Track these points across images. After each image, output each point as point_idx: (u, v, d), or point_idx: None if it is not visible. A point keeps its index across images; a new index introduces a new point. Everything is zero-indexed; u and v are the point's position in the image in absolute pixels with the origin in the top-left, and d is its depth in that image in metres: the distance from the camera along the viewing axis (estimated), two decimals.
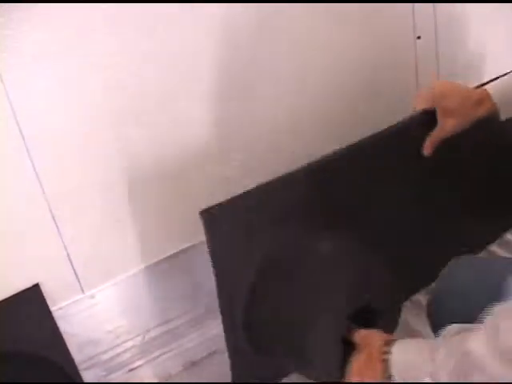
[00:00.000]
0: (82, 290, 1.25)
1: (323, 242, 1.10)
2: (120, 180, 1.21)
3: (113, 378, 1.36)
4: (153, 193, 1.25)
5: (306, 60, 1.32)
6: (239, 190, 1.05)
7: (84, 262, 1.23)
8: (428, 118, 1.19)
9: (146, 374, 1.40)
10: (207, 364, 1.43)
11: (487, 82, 1.06)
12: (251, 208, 1.06)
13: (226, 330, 1.10)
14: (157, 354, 1.40)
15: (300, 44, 1.29)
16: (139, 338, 1.37)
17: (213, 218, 1.02)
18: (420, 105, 1.22)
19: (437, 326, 0.97)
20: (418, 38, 1.39)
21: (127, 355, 1.36)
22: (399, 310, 1.14)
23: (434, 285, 1.08)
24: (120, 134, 1.18)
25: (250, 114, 1.30)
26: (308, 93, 1.35)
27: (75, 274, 1.22)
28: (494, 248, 1.60)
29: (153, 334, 1.38)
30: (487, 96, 1.14)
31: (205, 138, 1.25)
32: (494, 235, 1.50)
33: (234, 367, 1.14)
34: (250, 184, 1.06)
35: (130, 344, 1.36)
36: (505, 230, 1.50)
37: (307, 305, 1.04)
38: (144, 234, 1.27)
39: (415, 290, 1.33)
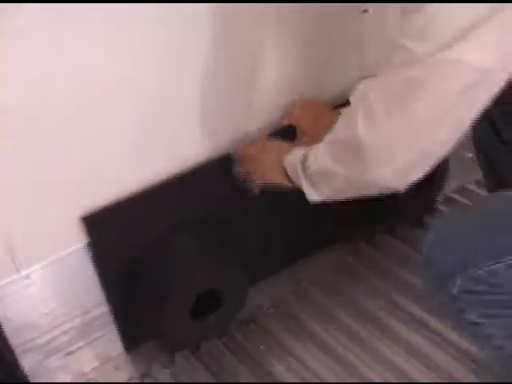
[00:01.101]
0: (17, 270, 1.18)
1: (183, 238, 1.32)
2: None
3: (51, 361, 1.29)
4: None
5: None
6: None
7: (18, 240, 1.16)
8: (290, 132, 1.37)
9: (86, 356, 1.35)
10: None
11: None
12: (128, 213, 1.26)
13: (112, 310, 1.33)
14: (96, 335, 1.35)
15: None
16: (78, 320, 1.30)
17: (94, 222, 1.22)
18: (284, 121, 1.40)
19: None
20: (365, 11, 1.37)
21: (65, 338, 1.31)
22: (245, 294, 1.36)
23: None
24: None
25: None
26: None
27: (9, 252, 1.15)
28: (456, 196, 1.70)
29: (92, 314, 1.32)
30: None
31: None
32: None
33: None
34: None
35: (68, 326, 1.30)
36: None
37: (167, 287, 1.26)
38: None
39: (263, 278, 1.50)
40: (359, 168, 0.96)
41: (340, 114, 1.08)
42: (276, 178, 1.22)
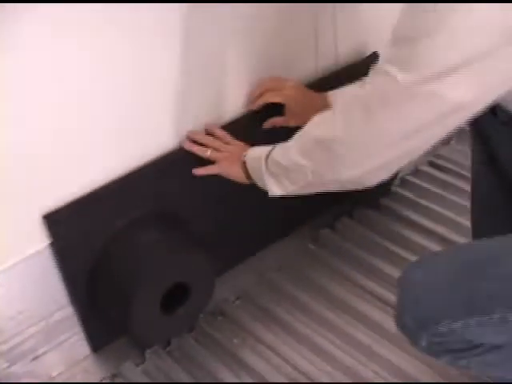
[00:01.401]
0: None
1: (144, 232, 1.29)
2: None
3: (17, 367, 1.24)
4: None
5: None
6: None
7: None
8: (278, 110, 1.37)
9: (52, 360, 1.30)
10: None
11: None
12: (88, 210, 1.22)
13: (77, 310, 1.29)
14: (62, 337, 1.30)
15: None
16: (43, 323, 1.26)
17: (56, 221, 1.18)
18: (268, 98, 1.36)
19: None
20: None
21: (31, 342, 1.25)
22: (211, 286, 1.34)
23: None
24: None
25: None
26: None
27: None
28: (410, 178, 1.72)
29: (57, 316, 1.27)
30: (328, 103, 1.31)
31: None
32: None
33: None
34: None
35: (33, 330, 1.25)
36: None
37: (134, 283, 1.23)
38: None
39: (226, 270, 1.49)
40: (329, 167, 1.03)
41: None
42: (232, 172, 1.24)
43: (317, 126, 1.06)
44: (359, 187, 1.04)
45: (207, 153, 1.28)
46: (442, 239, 1.54)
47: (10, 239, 1.16)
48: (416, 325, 1.04)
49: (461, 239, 1.52)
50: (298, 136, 1.10)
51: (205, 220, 1.40)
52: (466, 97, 0.86)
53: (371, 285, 1.46)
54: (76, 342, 1.33)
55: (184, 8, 1.17)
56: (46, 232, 1.19)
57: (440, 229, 1.57)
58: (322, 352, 1.35)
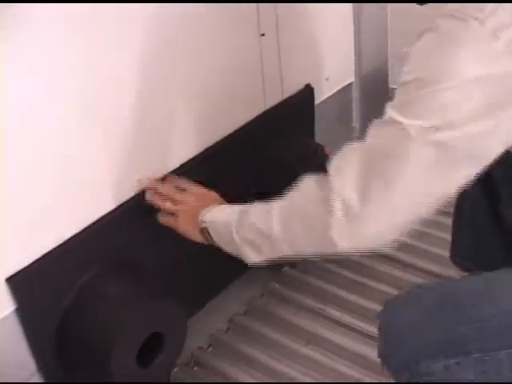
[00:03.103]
0: None
1: (114, 285, 1.22)
2: None
3: None
4: None
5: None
6: None
7: None
8: None
9: None
10: None
11: None
12: (52, 267, 1.14)
13: (46, 376, 1.19)
14: None
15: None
16: None
17: (20, 283, 1.09)
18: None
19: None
20: (262, 35, 1.36)
21: None
22: (184, 334, 1.27)
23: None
24: None
25: None
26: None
27: None
28: None
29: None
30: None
31: None
32: None
33: None
34: None
35: None
36: None
37: (111, 338, 1.14)
38: None
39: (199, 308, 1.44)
40: (330, 243, 0.92)
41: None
42: (189, 233, 1.16)
43: (313, 199, 0.95)
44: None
45: (166, 205, 1.20)
46: (400, 263, 1.52)
47: None
48: (397, 364, 1.00)
49: (419, 262, 1.52)
50: (284, 205, 1.00)
51: (166, 265, 1.32)
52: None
53: (338, 314, 1.42)
54: None
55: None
56: (9, 296, 1.08)
57: (394, 253, 1.53)
58: None
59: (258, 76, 1.42)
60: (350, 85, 1.76)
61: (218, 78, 1.33)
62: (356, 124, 1.83)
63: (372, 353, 1.34)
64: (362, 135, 1.77)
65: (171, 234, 1.27)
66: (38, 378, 1.18)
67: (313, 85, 1.58)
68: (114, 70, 1.13)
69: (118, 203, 1.23)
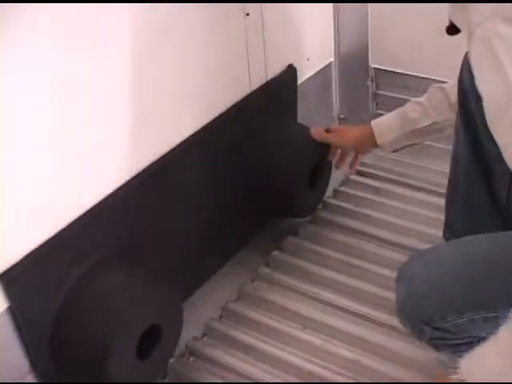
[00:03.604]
0: None
1: (109, 278, 1.16)
2: None
3: None
4: None
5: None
6: None
7: None
8: None
9: None
10: None
11: None
12: (45, 261, 1.08)
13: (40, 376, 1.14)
14: None
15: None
16: None
17: (12, 279, 1.03)
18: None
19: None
20: (247, 14, 1.32)
21: None
22: (180, 324, 1.24)
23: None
24: None
25: None
26: None
27: None
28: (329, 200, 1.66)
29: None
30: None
31: None
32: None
33: None
34: None
35: None
36: None
37: (103, 332, 1.10)
38: None
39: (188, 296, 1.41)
40: None
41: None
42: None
43: None
44: None
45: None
46: (390, 244, 1.50)
47: None
48: (419, 319, 1.01)
49: (409, 241, 1.49)
50: None
51: (156, 253, 1.28)
52: None
53: (331, 297, 1.39)
54: None
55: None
56: (2, 294, 1.02)
57: (384, 234, 1.53)
58: (305, 374, 1.25)
59: (243, 56, 1.37)
60: (329, 65, 1.72)
61: (204, 59, 1.28)
62: (335, 103, 1.80)
63: (370, 334, 1.33)
64: (340, 114, 1.81)
65: (158, 221, 1.26)
66: (31, 378, 1.13)
67: (295, 65, 1.55)
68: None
69: (108, 193, 1.17)
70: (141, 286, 1.15)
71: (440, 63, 1.54)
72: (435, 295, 1.00)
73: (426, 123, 1.29)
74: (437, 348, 1.09)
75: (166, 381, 1.26)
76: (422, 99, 1.31)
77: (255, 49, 1.40)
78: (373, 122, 1.36)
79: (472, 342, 1.00)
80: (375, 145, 1.37)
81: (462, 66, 1.10)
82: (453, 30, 0.99)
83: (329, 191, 1.64)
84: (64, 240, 1.10)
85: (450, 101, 1.25)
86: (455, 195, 1.23)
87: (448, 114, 1.27)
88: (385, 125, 1.35)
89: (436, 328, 1.01)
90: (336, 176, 1.63)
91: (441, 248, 1.14)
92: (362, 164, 1.73)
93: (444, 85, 1.28)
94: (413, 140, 1.34)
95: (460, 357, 1.03)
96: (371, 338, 1.31)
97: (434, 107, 1.29)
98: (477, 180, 1.16)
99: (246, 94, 1.41)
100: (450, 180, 1.23)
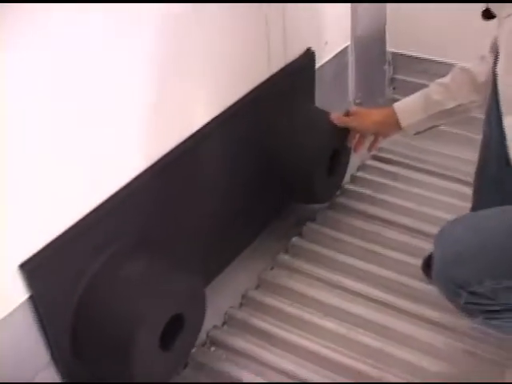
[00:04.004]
0: None
1: (131, 266, 1.12)
2: None
3: None
4: None
5: None
6: None
7: None
8: None
9: None
10: None
11: None
12: (67, 250, 1.04)
13: (58, 360, 1.09)
14: None
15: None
16: None
17: (34, 268, 0.99)
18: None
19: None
20: None
21: None
22: (203, 313, 1.20)
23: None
24: None
25: None
26: None
27: None
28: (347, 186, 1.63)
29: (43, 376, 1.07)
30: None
31: None
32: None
33: None
34: None
35: None
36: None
37: (126, 322, 1.06)
38: None
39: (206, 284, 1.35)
40: None
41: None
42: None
43: None
44: None
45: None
46: (409, 230, 1.47)
47: None
48: (456, 282, 1.00)
49: (427, 228, 1.45)
50: None
51: (176, 241, 1.24)
52: None
53: (352, 284, 1.36)
54: None
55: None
56: (23, 284, 0.98)
57: (403, 220, 1.49)
58: (326, 361, 1.22)
59: (263, 40, 1.33)
60: (346, 48, 1.68)
61: (224, 44, 1.24)
62: (351, 88, 1.76)
63: (393, 322, 1.29)
64: (356, 99, 1.77)
65: (177, 209, 1.23)
66: (51, 368, 1.09)
67: (313, 49, 1.51)
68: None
69: (130, 179, 1.13)
70: (164, 275, 1.11)
71: (460, 47, 1.50)
72: (474, 260, 0.99)
73: (450, 105, 1.25)
74: (471, 314, 1.08)
75: (186, 370, 1.23)
76: (445, 80, 1.26)
77: (275, 33, 1.36)
78: (395, 105, 1.32)
79: (506, 310, 1.00)
80: (398, 128, 1.32)
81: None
82: (488, 15, 0.97)
83: (346, 177, 1.60)
84: (84, 229, 1.06)
85: (475, 81, 1.21)
86: (485, 181, 1.19)
87: (473, 95, 1.23)
88: (408, 107, 1.31)
89: (472, 293, 1.00)
90: (352, 161, 1.59)
91: (483, 214, 1.10)
92: (379, 149, 1.69)
93: (468, 65, 1.24)
94: (437, 122, 1.30)
95: (493, 324, 1.03)
96: (395, 326, 1.28)
97: (459, 89, 1.24)
98: (509, 165, 1.12)
99: (265, 78, 1.37)
100: (479, 165, 1.20)
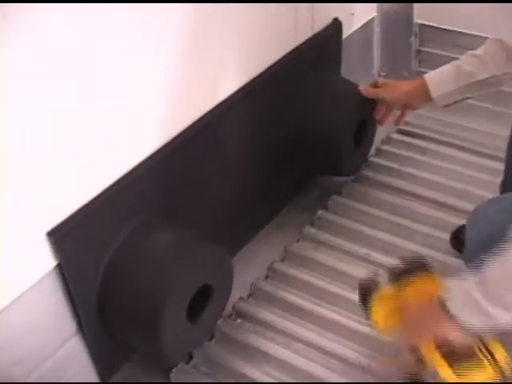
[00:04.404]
0: None
1: (159, 236, 1.10)
2: None
3: None
4: None
5: None
6: None
7: None
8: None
9: None
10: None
11: None
12: (93, 218, 1.02)
13: (88, 337, 1.08)
14: (70, 373, 1.07)
15: None
16: (50, 361, 1.03)
17: (61, 236, 0.97)
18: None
19: None
20: None
21: None
22: (230, 283, 1.18)
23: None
24: None
25: None
26: None
27: None
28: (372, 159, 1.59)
29: (64, 350, 1.05)
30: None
31: None
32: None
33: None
34: None
35: (41, 370, 1.01)
36: None
37: (154, 293, 1.03)
38: None
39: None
40: None
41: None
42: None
43: None
44: None
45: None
46: (437, 204, 1.43)
47: (12, 269, 0.92)
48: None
49: (455, 202, 1.42)
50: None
51: (203, 211, 1.22)
52: None
53: (379, 257, 1.32)
54: (83, 374, 1.10)
55: None
56: (51, 252, 0.96)
57: (430, 194, 1.45)
58: (351, 332, 1.20)
59: (291, 10, 1.29)
60: (372, 20, 1.63)
61: (253, 14, 1.20)
62: (376, 60, 1.71)
63: None
64: (381, 71, 1.72)
65: (203, 180, 1.20)
66: (77, 339, 1.08)
67: (340, 19, 1.46)
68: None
69: (156, 148, 1.10)
70: (191, 246, 1.08)
71: (489, 19, 1.45)
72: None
73: (482, 76, 1.20)
74: None
75: (212, 342, 1.21)
76: (478, 52, 1.22)
77: (303, 3, 1.32)
78: (426, 76, 1.27)
79: None
80: (428, 99, 1.28)
81: None
82: None
83: (371, 150, 1.56)
84: (110, 199, 1.04)
85: (510, 52, 1.17)
86: None
87: (507, 67, 1.18)
88: (439, 78, 1.26)
89: None
90: (377, 134, 1.54)
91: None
92: (405, 123, 1.64)
93: (501, 37, 1.19)
94: (468, 94, 1.25)
95: None
96: None
97: (492, 60, 1.19)
98: None
99: (293, 47, 1.33)
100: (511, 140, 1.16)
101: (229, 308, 1.25)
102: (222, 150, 1.24)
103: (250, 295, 1.29)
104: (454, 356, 0.86)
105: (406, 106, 1.36)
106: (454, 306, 0.82)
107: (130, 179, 1.06)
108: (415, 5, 1.62)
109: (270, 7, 1.24)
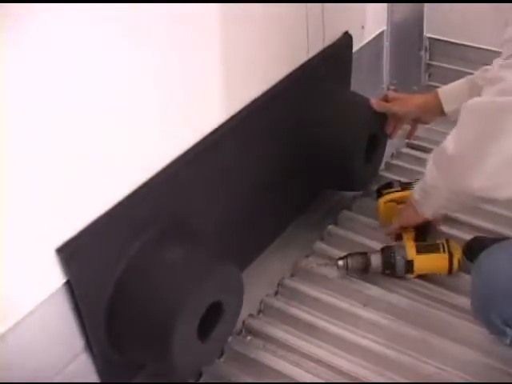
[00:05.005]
0: None
1: (170, 251, 1.06)
2: None
3: None
4: None
5: None
6: None
7: None
8: None
9: None
10: None
11: None
12: (103, 234, 0.99)
13: (93, 347, 1.04)
14: None
15: None
16: (58, 378, 0.99)
17: (71, 253, 0.94)
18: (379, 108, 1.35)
19: None
20: None
21: None
22: (241, 301, 1.15)
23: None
24: None
25: None
26: None
27: None
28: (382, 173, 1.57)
29: (71, 367, 1.01)
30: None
31: None
32: None
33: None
34: None
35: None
36: None
37: (166, 309, 1.00)
38: None
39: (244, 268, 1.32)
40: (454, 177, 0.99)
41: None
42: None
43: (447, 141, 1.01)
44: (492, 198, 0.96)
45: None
46: (447, 219, 1.37)
47: (21, 286, 0.89)
48: (499, 318, 0.94)
49: (465, 217, 1.38)
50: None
51: (213, 226, 1.19)
52: None
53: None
54: None
55: None
56: (60, 268, 0.93)
57: None
58: (362, 350, 1.16)
59: (303, 23, 1.27)
60: (382, 33, 1.61)
61: (265, 27, 1.18)
62: (386, 73, 1.69)
63: (433, 313, 1.23)
64: (390, 85, 1.70)
65: (214, 194, 1.17)
66: (85, 356, 1.04)
67: (350, 33, 1.44)
68: None
69: (167, 162, 1.07)
70: (202, 262, 1.05)
71: (500, 33, 1.42)
72: (507, 295, 0.91)
73: None
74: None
75: (222, 360, 1.17)
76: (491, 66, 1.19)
77: (314, 16, 1.29)
78: (439, 90, 1.25)
79: None
80: (441, 113, 1.26)
81: None
82: None
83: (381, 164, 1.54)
84: (121, 214, 1.00)
85: None
86: None
87: None
88: (452, 92, 1.24)
89: None
90: (387, 149, 1.51)
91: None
92: (415, 137, 1.60)
93: None
94: None
95: None
96: (436, 318, 1.20)
97: None
98: None
99: (304, 61, 1.31)
100: None
101: (239, 325, 1.21)
102: (233, 164, 1.22)
103: (259, 312, 1.25)
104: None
105: (417, 120, 1.34)
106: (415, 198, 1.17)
107: (138, 195, 1.03)
108: (425, 18, 1.59)
109: (284, 20, 1.22)
